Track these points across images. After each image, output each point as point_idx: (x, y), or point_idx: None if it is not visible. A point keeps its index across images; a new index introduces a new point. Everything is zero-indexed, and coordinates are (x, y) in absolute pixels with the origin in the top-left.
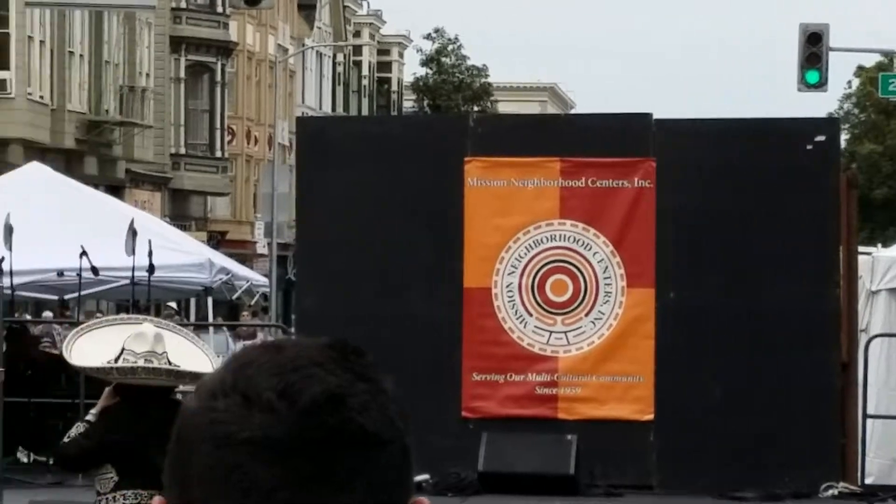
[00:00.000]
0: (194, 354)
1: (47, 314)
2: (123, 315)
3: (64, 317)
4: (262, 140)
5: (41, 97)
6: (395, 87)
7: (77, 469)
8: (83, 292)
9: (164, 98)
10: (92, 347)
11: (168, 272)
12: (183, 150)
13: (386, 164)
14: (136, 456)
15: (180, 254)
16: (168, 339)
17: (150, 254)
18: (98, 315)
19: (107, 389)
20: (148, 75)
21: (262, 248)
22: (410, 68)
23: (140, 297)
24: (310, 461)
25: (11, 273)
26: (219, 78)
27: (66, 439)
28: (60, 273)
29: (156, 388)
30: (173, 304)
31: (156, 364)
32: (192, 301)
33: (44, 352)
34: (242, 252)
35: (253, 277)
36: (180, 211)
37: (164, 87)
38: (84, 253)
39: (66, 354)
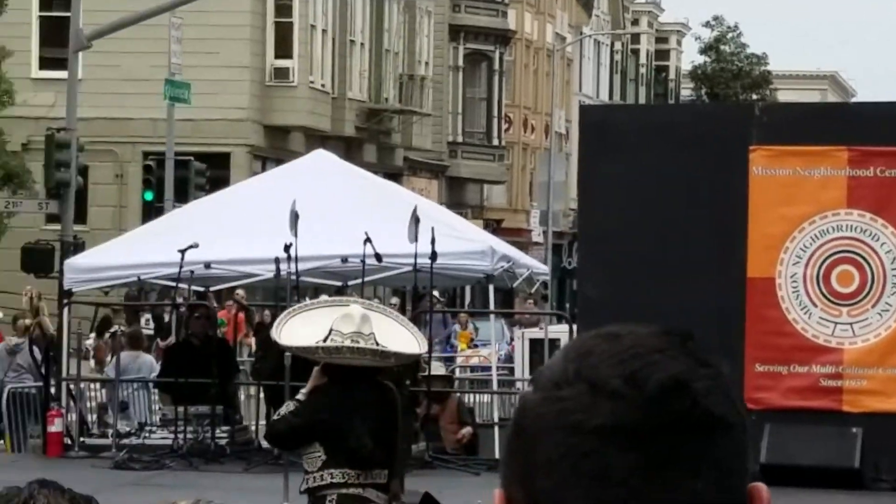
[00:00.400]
0: (402, 336)
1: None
2: (332, 297)
3: None
4: (539, 128)
5: (322, 85)
6: (672, 75)
7: (286, 446)
8: (366, 279)
9: (442, 86)
10: (302, 328)
11: (450, 259)
12: (460, 139)
13: (669, 153)
14: (342, 435)
15: (462, 241)
16: (376, 320)
17: (433, 241)
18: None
19: (315, 370)
20: (427, 64)
21: (537, 237)
22: (688, 56)
23: (422, 284)
24: (660, 447)
25: (297, 259)
26: (497, 66)
27: (276, 417)
28: (344, 259)
29: (362, 369)
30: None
31: (362, 344)
32: (468, 289)
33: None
34: (518, 240)
35: (533, 265)
36: (457, 199)
37: (442, 75)
38: (368, 240)
39: (275, 335)
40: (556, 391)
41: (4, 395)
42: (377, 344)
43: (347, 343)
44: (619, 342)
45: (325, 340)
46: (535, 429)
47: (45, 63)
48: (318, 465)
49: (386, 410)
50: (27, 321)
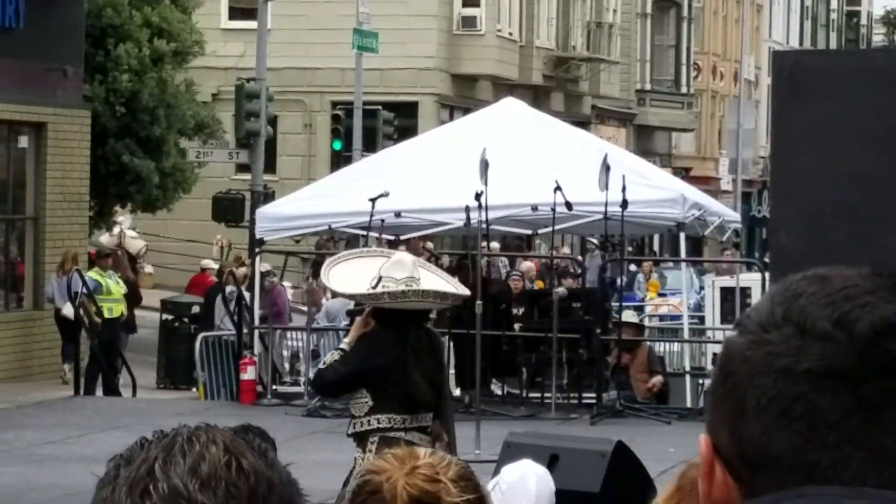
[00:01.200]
0: (444, 281)
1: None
2: (371, 248)
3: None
4: (728, 75)
5: (510, 34)
6: (864, 20)
7: (333, 394)
8: (556, 227)
9: (630, 33)
10: (350, 276)
11: (641, 207)
12: (648, 86)
13: (864, 98)
14: (391, 381)
15: (653, 189)
16: (420, 267)
17: (624, 189)
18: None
19: (359, 319)
20: (615, 11)
21: (726, 185)
22: (881, 1)
23: (613, 232)
24: (873, 390)
25: (486, 207)
26: (685, 13)
27: (321, 365)
28: (535, 207)
29: (411, 314)
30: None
31: (424, 286)
32: (656, 237)
33: (510, 285)
34: (707, 188)
35: (725, 213)
36: (645, 147)
37: (630, 22)
38: (558, 188)
39: (325, 280)
40: (763, 334)
41: (198, 343)
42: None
43: (404, 287)
44: (828, 284)
45: (375, 287)
46: (742, 373)
47: (234, 13)
48: (365, 411)
49: (434, 354)
50: (241, 269)
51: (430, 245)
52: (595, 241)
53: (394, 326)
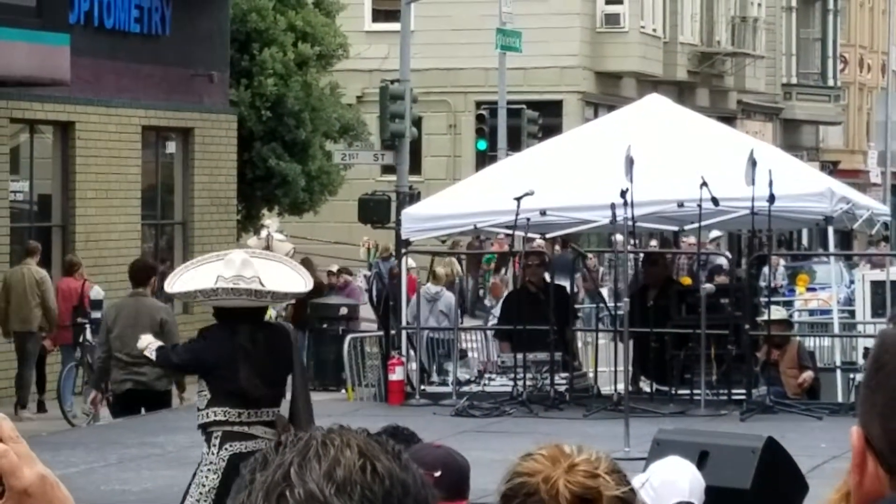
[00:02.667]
0: (287, 276)
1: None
2: (218, 252)
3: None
4: (875, 67)
5: (654, 30)
6: None
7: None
8: (703, 223)
9: (774, 27)
10: (194, 280)
11: (787, 202)
12: (794, 80)
13: None
14: (221, 376)
15: (800, 183)
16: (260, 264)
17: (771, 183)
18: None
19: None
20: (759, 5)
21: (875, 178)
22: None
23: (759, 227)
24: None
25: (632, 204)
26: (831, 5)
27: (170, 347)
28: (680, 204)
29: (245, 311)
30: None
31: (240, 285)
32: (804, 231)
33: (673, 279)
34: (855, 182)
35: (873, 206)
36: (792, 141)
37: (775, 16)
38: (704, 183)
39: (168, 287)
40: None
41: (346, 344)
42: (261, 285)
43: (222, 285)
44: None
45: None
46: (895, 364)
47: (377, 15)
48: (205, 404)
49: (273, 351)
50: (444, 269)
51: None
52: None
53: (226, 324)
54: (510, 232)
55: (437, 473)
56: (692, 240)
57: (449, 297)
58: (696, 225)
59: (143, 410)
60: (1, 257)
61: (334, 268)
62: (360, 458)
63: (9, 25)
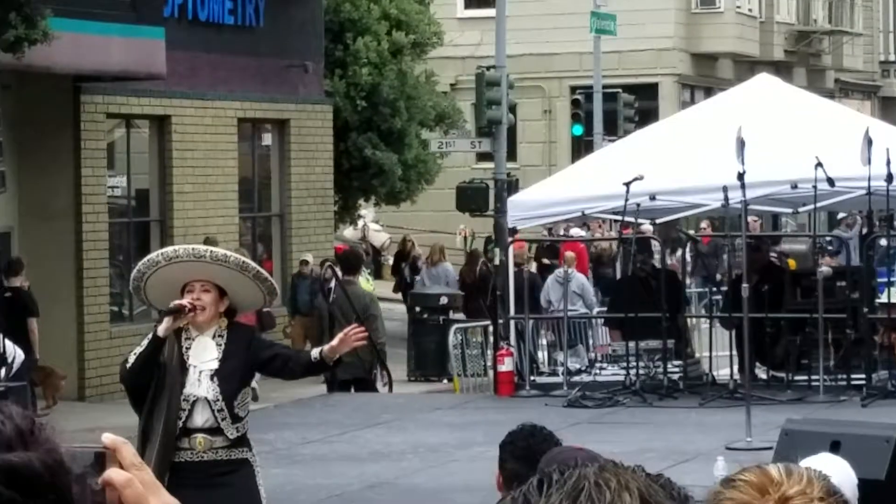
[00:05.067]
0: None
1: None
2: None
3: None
4: None
5: (749, 10)
6: None
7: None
8: (818, 204)
9: (872, 4)
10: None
11: None
12: (892, 58)
13: None
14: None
15: None
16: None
17: (888, 162)
18: None
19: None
20: None
21: None
22: None
23: (877, 208)
24: None
25: (744, 186)
26: None
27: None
28: (794, 185)
29: None
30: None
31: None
32: None
33: (775, 264)
34: None
35: None
36: (891, 119)
37: None
38: (819, 164)
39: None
40: None
41: (451, 334)
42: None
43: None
44: None
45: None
46: None
47: (469, 2)
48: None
49: None
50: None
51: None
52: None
53: None
54: (618, 217)
55: None
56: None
57: (580, 278)
58: (810, 207)
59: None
60: (100, 253)
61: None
62: None
63: (104, 20)
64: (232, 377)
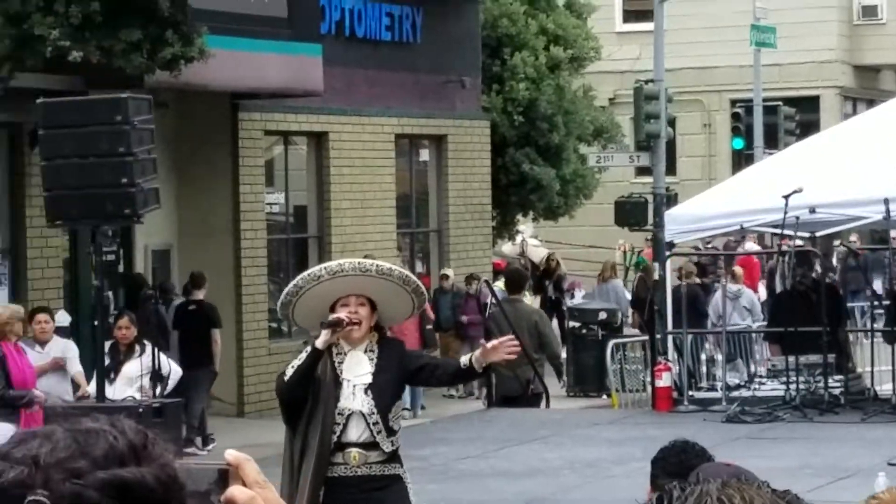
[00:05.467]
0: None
1: None
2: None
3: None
4: None
5: None
6: None
7: None
8: None
9: None
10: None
11: None
12: None
13: None
14: None
15: None
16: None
17: None
18: None
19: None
20: None
21: None
22: None
23: None
24: None
25: None
26: None
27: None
28: None
29: None
30: None
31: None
32: None
33: None
34: None
35: None
36: None
37: None
38: None
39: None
40: None
41: (608, 349)
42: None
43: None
44: None
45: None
46: None
47: (628, 16)
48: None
49: None
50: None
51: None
52: None
53: None
54: (777, 231)
55: None
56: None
57: (750, 294)
58: None
59: None
60: (259, 269)
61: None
62: None
63: (261, 37)
64: (386, 390)
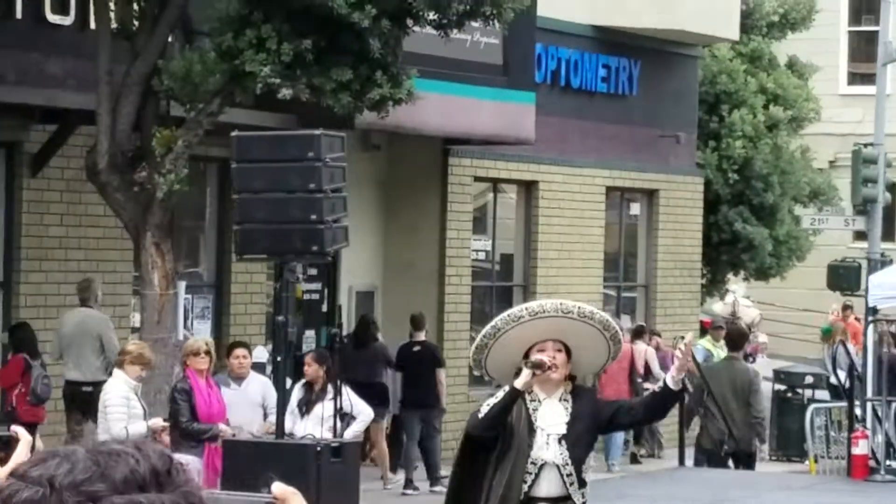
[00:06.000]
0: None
1: None
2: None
3: None
4: None
5: None
6: None
7: None
8: None
9: None
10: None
11: None
12: None
13: None
14: None
15: None
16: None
17: None
18: None
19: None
20: None
21: None
22: None
23: None
24: None
25: None
26: None
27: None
28: None
29: None
30: None
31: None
32: None
33: None
34: None
35: None
36: None
37: None
38: None
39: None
40: None
41: (808, 413)
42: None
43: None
44: None
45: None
46: None
47: (853, 78)
48: None
49: None
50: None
51: None
52: None
53: None
54: None
55: None
56: None
57: None
58: None
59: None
60: (461, 315)
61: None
62: None
63: (476, 83)
64: (580, 441)
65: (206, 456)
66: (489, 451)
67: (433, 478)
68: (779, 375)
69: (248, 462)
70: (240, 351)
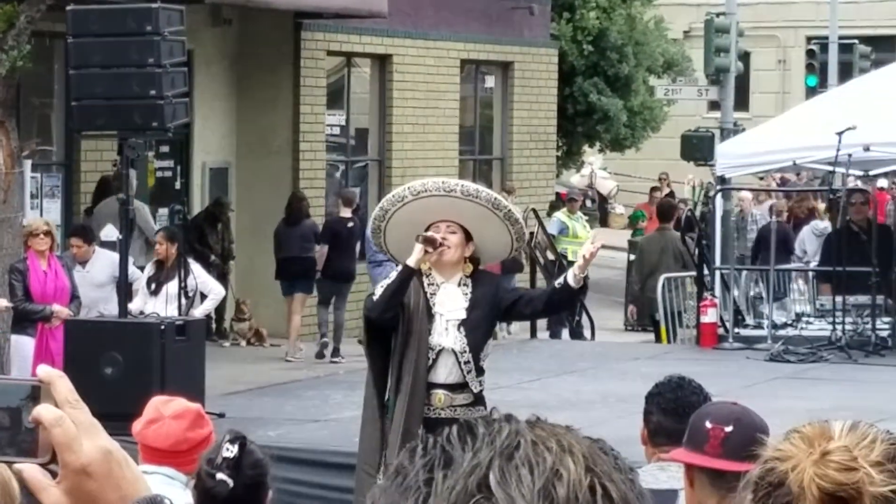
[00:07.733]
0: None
1: None
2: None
3: None
4: None
5: None
6: None
7: None
8: None
9: None
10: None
11: None
12: None
13: None
14: None
15: None
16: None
17: None
18: None
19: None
20: None
21: None
22: None
23: None
24: None
25: None
26: None
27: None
28: None
29: None
30: None
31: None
32: None
33: None
34: None
35: None
36: None
37: None
38: None
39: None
40: None
41: (660, 283)
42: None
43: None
44: None
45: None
46: None
47: None
48: None
49: None
50: None
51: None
52: None
53: None
54: (830, 168)
55: (728, 429)
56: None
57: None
58: None
59: None
60: (317, 191)
61: None
62: (587, 475)
63: None
64: (479, 327)
65: (39, 337)
66: (391, 335)
67: (334, 349)
68: (633, 246)
69: (91, 342)
70: (73, 240)
